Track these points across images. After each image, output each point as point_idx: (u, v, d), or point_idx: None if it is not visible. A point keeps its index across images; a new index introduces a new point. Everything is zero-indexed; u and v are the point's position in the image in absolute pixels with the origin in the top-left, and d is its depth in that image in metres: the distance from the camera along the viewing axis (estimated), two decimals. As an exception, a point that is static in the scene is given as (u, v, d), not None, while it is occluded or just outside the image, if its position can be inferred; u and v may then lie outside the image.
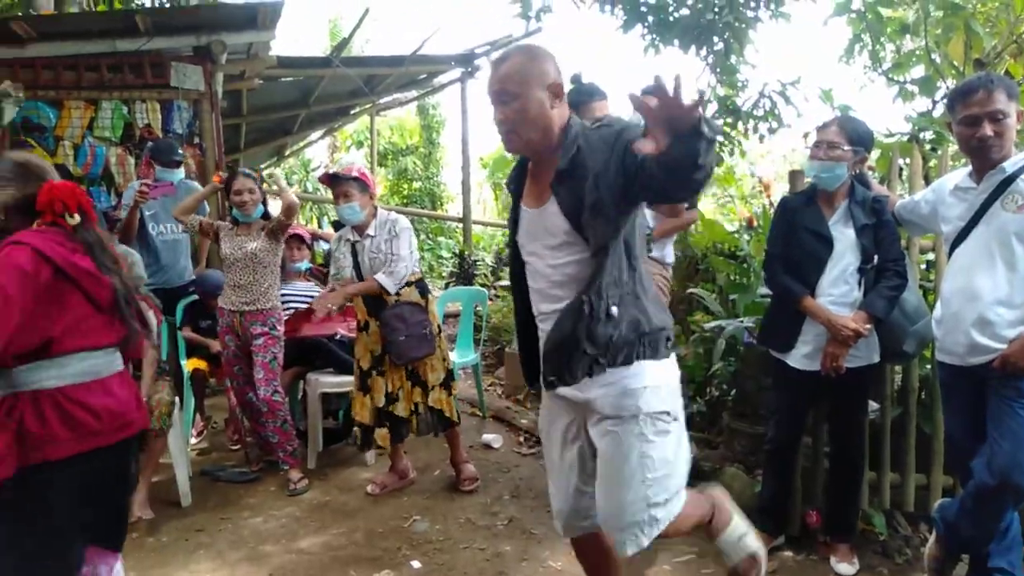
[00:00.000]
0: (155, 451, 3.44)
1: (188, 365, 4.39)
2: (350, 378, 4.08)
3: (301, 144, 13.91)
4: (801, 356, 2.76)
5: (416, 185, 16.31)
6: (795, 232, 2.77)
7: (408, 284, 3.51)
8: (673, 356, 1.92)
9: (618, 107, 3.57)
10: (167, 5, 9.12)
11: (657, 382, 1.84)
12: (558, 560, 2.98)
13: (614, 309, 1.79)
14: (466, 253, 8.79)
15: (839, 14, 4.57)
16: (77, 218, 1.88)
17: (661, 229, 3.35)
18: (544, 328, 1.93)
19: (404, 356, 3.44)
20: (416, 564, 2.96)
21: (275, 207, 4.10)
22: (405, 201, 15.89)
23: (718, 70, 4.95)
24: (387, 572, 2.91)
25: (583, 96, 3.11)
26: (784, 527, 3.03)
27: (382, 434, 3.58)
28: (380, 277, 3.42)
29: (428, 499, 3.64)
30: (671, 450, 1.86)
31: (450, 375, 3.66)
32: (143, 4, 9.48)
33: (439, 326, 3.66)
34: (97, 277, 1.88)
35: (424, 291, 3.61)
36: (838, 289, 2.69)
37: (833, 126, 2.72)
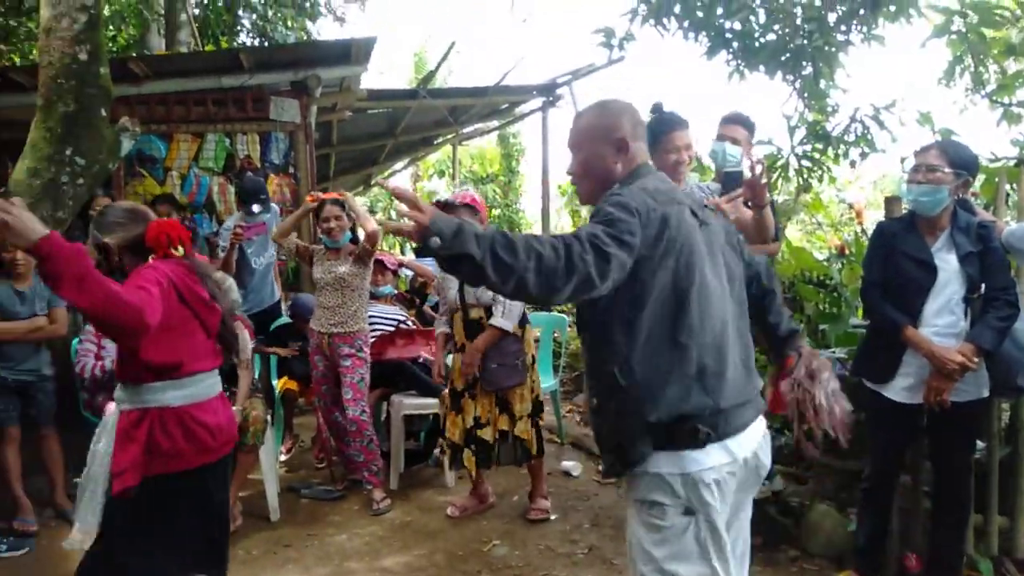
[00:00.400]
0: (245, 465, 3.58)
1: (279, 384, 4.57)
2: (432, 400, 4.18)
3: (386, 173, 14.37)
4: (901, 388, 2.64)
5: (495, 212, 16.54)
6: (894, 259, 2.67)
7: None
8: (713, 448, 1.57)
9: (701, 135, 3.54)
10: (267, 44, 9.66)
11: (659, 469, 1.57)
12: (639, 592, 2.93)
13: (594, 400, 1.68)
14: (545, 280, 8.80)
15: (938, 36, 4.41)
16: (181, 250, 2.09)
17: None
18: None
19: (494, 384, 3.47)
20: (496, 589, 2.97)
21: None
22: (485, 228, 16.11)
23: (806, 95, 4.84)
24: (467, 595, 2.92)
25: (663, 126, 3.01)
26: (880, 570, 2.88)
27: (468, 455, 3.60)
28: (499, 321, 3.47)
29: (507, 524, 3.64)
30: (658, 549, 1.58)
31: (539, 407, 3.65)
32: (245, 43, 10.10)
33: (533, 356, 3.67)
34: (211, 306, 2.06)
35: (523, 322, 3.62)
36: (943, 319, 2.57)
37: (933, 149, 2.62)
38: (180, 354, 2.00)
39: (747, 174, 2.92)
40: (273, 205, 5.20)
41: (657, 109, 3.24)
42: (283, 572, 3.15)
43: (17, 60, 8.59)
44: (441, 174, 17.68)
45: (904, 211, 2.85)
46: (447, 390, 3.71)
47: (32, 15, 8.07)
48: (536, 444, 3.60)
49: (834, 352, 3.54)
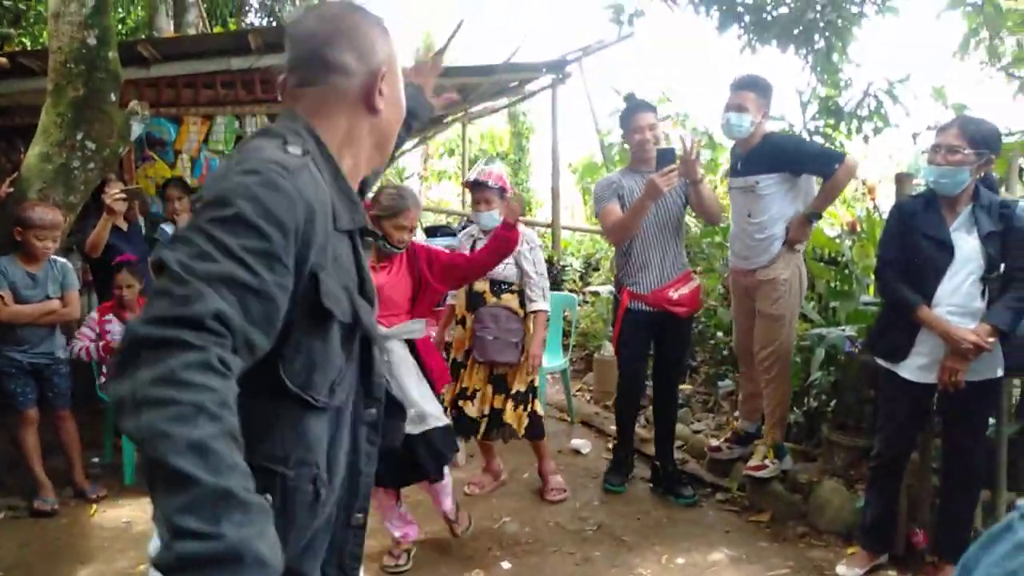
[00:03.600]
0: None
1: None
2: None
3: (396, 153, 14.33)
4: (916, 367, 2.64)
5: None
6: (911, 238, 2.64)
7: (512, 291, 3.54)
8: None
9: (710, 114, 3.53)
10: (275, 24, 9.62)
11: None
12: (648, 568, 2.97)
13: None
14: (555, 258, 8.80)
15: (953, 7, 4.34)
16: None
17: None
18: None
19: (485, 354, 3.42)
20: (506, 565, 3.01)
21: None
22: (495, 207, 16.06)
23: (819, 69, 4.78)
24: (478, 571, 2.96)
25: (629, 111, 3.59)
26: (888, 546, 2.89)
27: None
28: (542, 304, 3.52)
29: (517, 502, 3.68)
30: None
31: (533, 392, 3.57)
32: (253, 23, 10.07)
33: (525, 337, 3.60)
34: None
35: (523, 303, 3.58)
36: (958, 299, 2.55)
37: (953, 128, 2.57)
38: None
39: (680, 150, 3.28)
40: None
41: (629, 98, 3.42)
42: (297, 549, 3.20)
43: (28, 44, 8.60)
44: (451, 153, 17.61)
45: (917, 187, 2.82)
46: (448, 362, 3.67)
47: (41, -1, 8.08)
48: (527, 428, 3.51)
49: (844, 330, 3.53)
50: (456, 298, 3.67)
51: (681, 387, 4.83)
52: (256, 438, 1.00)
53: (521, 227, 3.62)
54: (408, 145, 13.86)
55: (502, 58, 8.16)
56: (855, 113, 4.68)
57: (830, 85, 4.84)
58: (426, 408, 2.83)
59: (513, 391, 3.52)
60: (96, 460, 4.08)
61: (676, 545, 3.16)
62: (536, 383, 3.62)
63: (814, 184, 3.46)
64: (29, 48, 7.93)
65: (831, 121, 4.75)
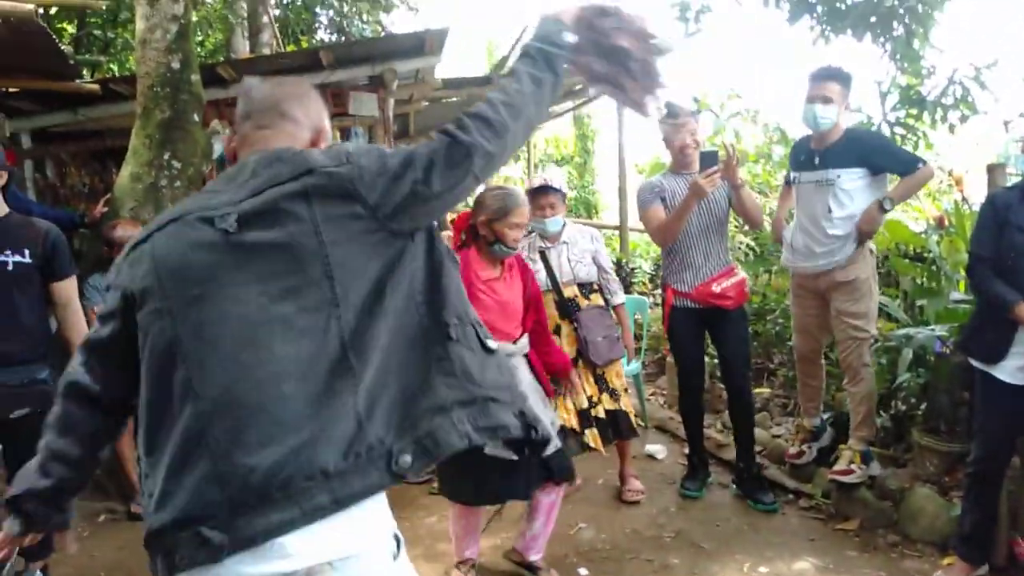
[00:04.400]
0: None
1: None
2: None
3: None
4: (1014, 368, 2.49)
5: (572, 195, 16.45)
6: (1006, 231, 2.50)
7: (594, 290, 3.57)
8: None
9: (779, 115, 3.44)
10: (344, 39, 9.90)
11: None
12: (729, 576, 2.90)
13: None
14: (624, 261, 8.73)
15: (1044, -15, 4.08)
16: None
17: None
18: None
19: (603, 356, 3.42)
20: (583, 571, 3.00)
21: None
22: (561, 211, 16.06)
23: (898, 57, 4.59)
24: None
25: (669, 118, 3.58)
26: (987, 556, 2.74)
27: (593, 434, 3.50)
28: (622, 297, 3.72)
29: (593, 508, 3.66)
30: None
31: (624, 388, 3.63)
32: (323, 40, 10.38)
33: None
34: None
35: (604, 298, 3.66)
36: None
37: None
38: None
39: (723, 154, 3.33)
40: None
41: (669, 106, 3.55)
42: (377, 552, 3.26)
43: (116, 70, 9.12)
44: (516, 158, 17.69)
45: (1011, 178, 2.67)
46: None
47: (127, 26, 8.54)
48: (634, 419, 3.59)
49: (933, 330, 3.37)
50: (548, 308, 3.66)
51: (759, 391, 4.71)
52: None
53: (580, 224, 3.65)
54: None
55: (566, 62, 8.18)
56: (939, 102, 4.47)
57: (911, 74, 4.63)
58: (541, 420, 2.71)
59: (618, 386, 3.55)
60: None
61: (758, 553, 3.07)
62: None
63: (888, 186, 3.37)
64: (116, 74, 8.41)
65: (913, 111, 4.56)
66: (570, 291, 3.51)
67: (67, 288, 2.70)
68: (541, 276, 3.58)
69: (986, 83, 4.33)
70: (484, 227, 2.77)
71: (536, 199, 3.49)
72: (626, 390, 3.62)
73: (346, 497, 1.09)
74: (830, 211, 3.28)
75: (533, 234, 3.69)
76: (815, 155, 3.36)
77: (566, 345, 3.54)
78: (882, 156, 3.29)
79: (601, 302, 3.58)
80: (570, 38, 1.27)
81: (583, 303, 3.49)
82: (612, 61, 1.29)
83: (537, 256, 3.60)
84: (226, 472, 1.07)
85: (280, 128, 1.35)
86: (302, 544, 1.07)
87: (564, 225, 3.54)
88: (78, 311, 2.75)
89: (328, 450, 1.09)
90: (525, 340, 2.87)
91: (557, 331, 3.58)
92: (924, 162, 3.28)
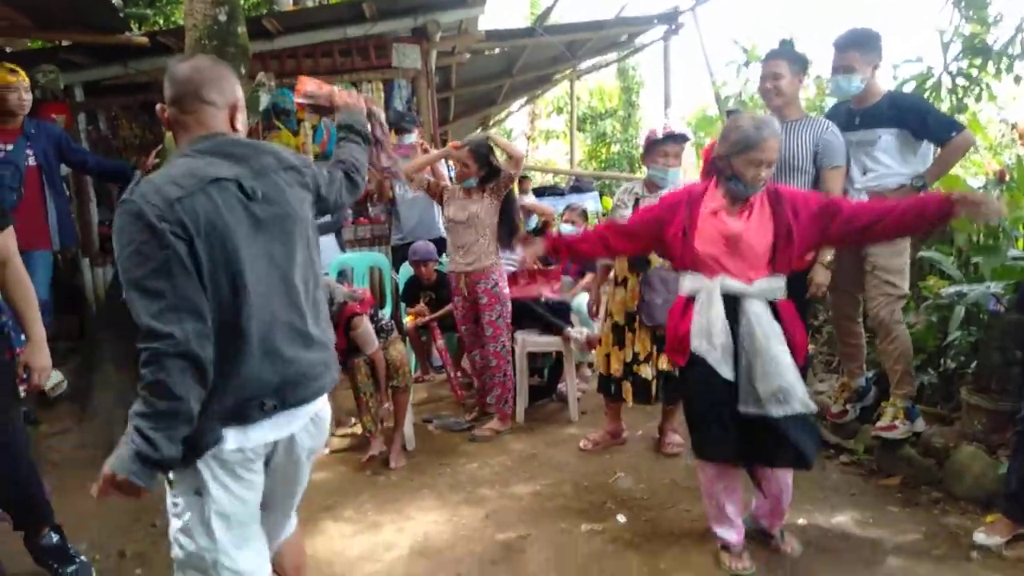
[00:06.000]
0: (403, 404, 3.82)
1: (408, 321, 4.81)
2: (555, 338, 4.28)
3: (503, 114, 14.37)
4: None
5: (615, 148, 16.21)
6: None
7: None
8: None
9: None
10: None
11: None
12: (767, 528, 2.92)
13: None
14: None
15: None
16: None
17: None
18: None
19: (654, 319, 3.44)
20: (622, 518, 3.05)
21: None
22: (603, 165, 15.86)
23: (963, 5, 4.37)
24: (594, 524, 3.02)
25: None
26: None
27: (627, 388, 3.60)
28: None
29: (632, 458, 3.70)
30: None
31: None
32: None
33: None
34: None
35: None
36: None
37: None
38: None
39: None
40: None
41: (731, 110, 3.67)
42: (419, 496, 3.37)
43: (161, 23, 9.20)
44: (559, 111, 17.48)
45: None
46: (608, 324, 3.71)
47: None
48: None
49: (988, 287, 3.28)
50: (616, 258, 3.64)
51: (802, 347, 4.66)
52: None
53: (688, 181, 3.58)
54: (516, 105, 13.86)
55: (612, 13, 7.98)
56: (1005, 51, 4.26)
57: (976, 21, 4.41)
58: (796, 387, 2.37)
59: None
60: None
61: (797, 506, 3.08)
62: None
63: (931, 158, 3.37)
64: (163, 27, 8.49)
65: (977, 61, 4.35)
66: None
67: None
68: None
69: (1058, 29, 4.10)
70: (721, 161, 2.49)
71: (662, 147, 3.46)
72: None
73: (330, 383, 1.86)
74: (865, 171, 3.36)
75: (635, 182, 3.67)
76: (856, 115, 3.40)
77: (629, 299, 3.56)
78: (920, 116, 3.26)
79: None
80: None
81: (655, 261, 3.46)
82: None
83: (631, 202, 3.58)
84: (278, 366, 1.69)
85: (202, 112, 1.72)
86: (311, 406, 1.81)
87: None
88: (18, 270, 2.32)
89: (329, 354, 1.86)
90: (773, 283, 2.47)
91: (624, 283, 3.58)
92: (960, 129, 3.22)
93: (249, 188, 1.66)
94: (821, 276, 3.36)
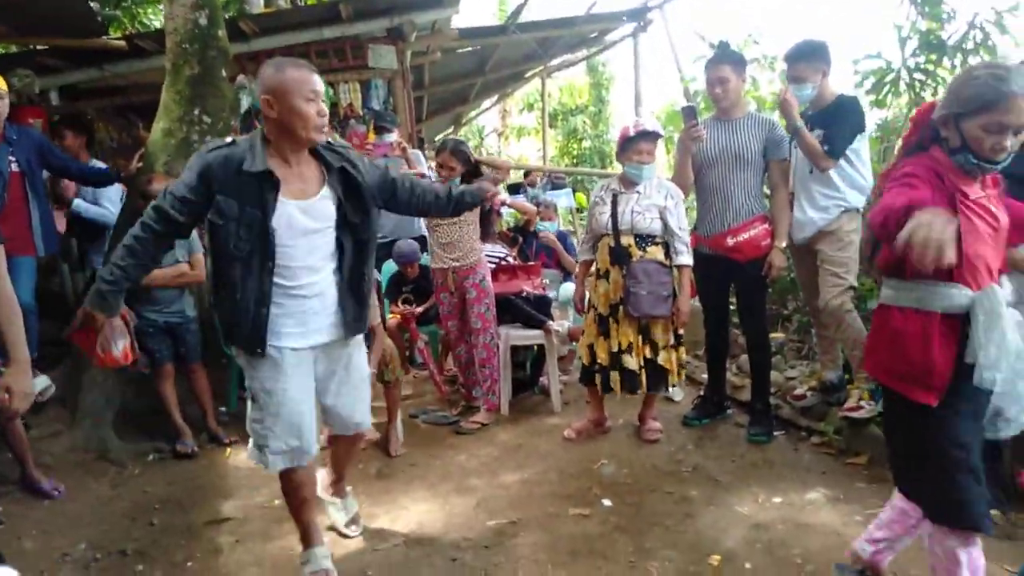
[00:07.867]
0: (394, 398, 3.92)
1: (391, 318, 4.89)
2: (537, 332, 4.40)
3: (475, 112, 14.43)
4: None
5: (585, 144, 16.38)
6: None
7: (656, 244, 3.63)
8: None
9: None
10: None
11: None
12: (745, 506, 3.07)
13: None
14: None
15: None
16: None
17: None
18: None
19: (640, 310, 3.54)
20: (607, 502, 3.18)
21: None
22: (575, 161, 16.02)
23: (919, 2, 4.57)
24: (582, 509, 3.14)
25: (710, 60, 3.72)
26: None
27: (615, 377, 3.70)
28: (686, 259, 3.63)
29: (615, 446, 3.84)
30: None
31: (678, 339, 3.74)
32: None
33: (675, 289, 3.68)
34: None
35: (668, 254, 3.67)
36: None
37: None
38: None
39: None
40: (416, 152, 5.45)
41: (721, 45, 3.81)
42: (412, 487, 3.47)
43: (127, 24, 9.10)
44: (530, 107, 17.59)
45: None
46: (591, 315, 3.81)
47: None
48: (675, 375, 3.72)
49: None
50: (598, 252, 3.78)
51: (774, 335, 4.84)
52: None
53: (665, 180, 3.72)
54: (488, 103, 13.94)
55: (582, 10, 8.10)
56: (959, 46, 4.47)
57: (931, 18, 4.61)
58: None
59: (661, 342, 3.66)
60: (223, 410, 4.47)
61: (772, 486, 3.25)
62: (680, 333, 3.76)
63: (868, 162, 3.62)
64: (131, 29, 8.42)
65: (932, 56, 4.55)
66: (626, 239, 3.61)
67: None
68: (604, 219, 3.69)
69: (1007, 27, 4.32)
70: (948, 126, 1.91)
71: (636, 145, 3.57)
72: (673, 346, 3.71)
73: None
74: (811, 171, 3.59)
75: (610, 179, 3.79)
76: (810, 119, 3.61)
77: (612, 291, 3.68)
78: (831, 126, 3.49)
79: (661, 257, 3.61)
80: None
81: (636, 254, 3.59)
82: None
83: (609, 198, 3.69)
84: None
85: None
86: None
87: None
88: (5, 288, 2.04)
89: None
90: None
91: (606, 276, 3.71)
92: (825, 159, 3.44)
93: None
94: (779, 259, 3.58)
